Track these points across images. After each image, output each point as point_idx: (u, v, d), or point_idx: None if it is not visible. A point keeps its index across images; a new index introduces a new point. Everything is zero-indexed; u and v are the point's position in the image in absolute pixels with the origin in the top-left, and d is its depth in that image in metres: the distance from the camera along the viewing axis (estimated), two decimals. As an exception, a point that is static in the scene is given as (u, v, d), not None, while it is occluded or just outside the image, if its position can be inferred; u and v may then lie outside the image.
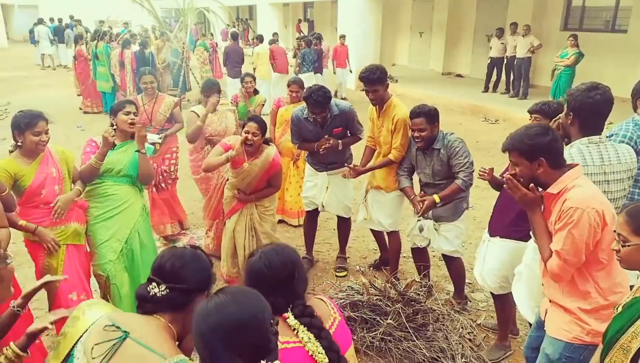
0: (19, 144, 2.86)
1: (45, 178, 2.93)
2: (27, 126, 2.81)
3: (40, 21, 18.78)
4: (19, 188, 2.87)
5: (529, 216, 2.17)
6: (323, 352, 1.49)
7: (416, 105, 3.44)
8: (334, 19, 16.85)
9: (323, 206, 4.29)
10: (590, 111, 2.36)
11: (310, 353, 1.49)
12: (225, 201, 3.85)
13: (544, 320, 2.26)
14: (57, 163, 3.02)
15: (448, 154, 3.37)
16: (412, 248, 3.85)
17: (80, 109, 11.11)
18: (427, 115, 3.35)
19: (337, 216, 4.42)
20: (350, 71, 12.35)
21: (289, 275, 1.60)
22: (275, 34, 12.81)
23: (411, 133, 3.47)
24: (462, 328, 3.23)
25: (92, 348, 1.37)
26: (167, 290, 1.50)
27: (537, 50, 11.60)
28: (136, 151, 3.21)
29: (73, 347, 1.46)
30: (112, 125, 3.20)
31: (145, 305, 1.53)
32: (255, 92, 5.63)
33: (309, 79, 11.39)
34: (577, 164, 2.13)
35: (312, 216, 4.49)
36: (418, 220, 3.60)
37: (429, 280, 3.65)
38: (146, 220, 3.51)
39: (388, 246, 4.21)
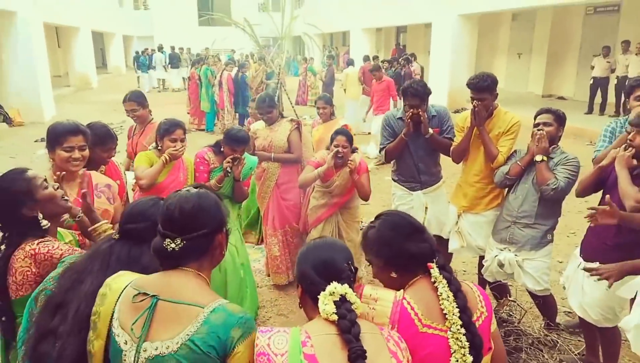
0: (158, 148, 3.24)
1: (173, 181, 3.23)
2: (165, 133, 3.18)
3: (160, 49, 20.79)
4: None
5: None
6: (466, 346, 1.49)
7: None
8: (427, 43, 16.74)
9: None
10: None
11: (452, 350, 1.51)
12: (310, 210, 3.90)
13: None
14: (186, 169, 3.35)
15: (558, 163, 3.07)
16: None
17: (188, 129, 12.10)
18: (555, 113, 3.13)
19: (434, 235, 4.16)
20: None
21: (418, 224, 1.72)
22: (368, 56, 12.75)
23: (534, 130, 3.13)
24: (559, 357, 2.96)
25: (131, 327, 1.36)
26: (184, 242, 1.39)
27: (653, 69, 10.62)
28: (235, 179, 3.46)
29: (110, 323, 1.42)
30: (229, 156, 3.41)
31: (165, 261, 1.43)
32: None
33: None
34: None
35: None
36: (496, 256, 3.28)
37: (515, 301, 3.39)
38: (238, 230, 3.76)
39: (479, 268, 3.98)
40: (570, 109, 12.62)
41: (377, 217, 1.77)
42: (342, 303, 1.38)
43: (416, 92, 3.60)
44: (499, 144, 3.40)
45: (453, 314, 1.50)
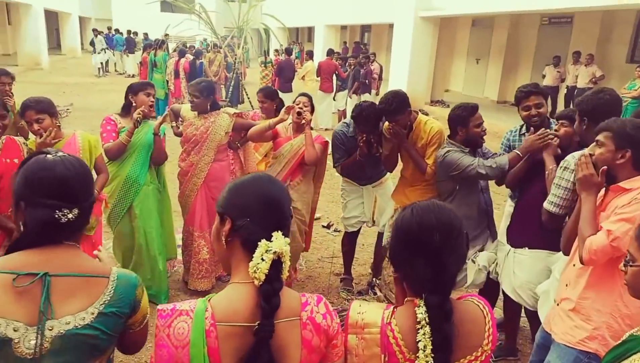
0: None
1: None
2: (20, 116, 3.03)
3: (99, 32, 20.09)
4: None
5: (582, 197, 2.10)
6: None
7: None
8: (390, 43, 16.85)
9: (374, 221, 3.99)
10: (602, 112, 2.32)
11: None
12: None
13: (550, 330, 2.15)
14: (79, 150, 3.02)
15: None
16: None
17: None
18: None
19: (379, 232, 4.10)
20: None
21: (441, 242, 1.28)
22: (331, 50, 12.44)
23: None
24: None
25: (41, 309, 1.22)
26: (79, 211, 1.30)
27: (600, 81, 11.02)
28: (153, 133, 3.47)
29: None
30: (131, 103, 3.43)
31: (51, 235, 1.29)
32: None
33: (341, 98, 11.67)
34: None
35: (352, 238, 4.13)
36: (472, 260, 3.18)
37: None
38: (161, 199, 3.77)
39: None
40: (521, 115, 13.00)
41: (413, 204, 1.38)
42: (275, 264, 1.18)
43: (367, 120, 3.53)
44: (425, 156, 3.39)
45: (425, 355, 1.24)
